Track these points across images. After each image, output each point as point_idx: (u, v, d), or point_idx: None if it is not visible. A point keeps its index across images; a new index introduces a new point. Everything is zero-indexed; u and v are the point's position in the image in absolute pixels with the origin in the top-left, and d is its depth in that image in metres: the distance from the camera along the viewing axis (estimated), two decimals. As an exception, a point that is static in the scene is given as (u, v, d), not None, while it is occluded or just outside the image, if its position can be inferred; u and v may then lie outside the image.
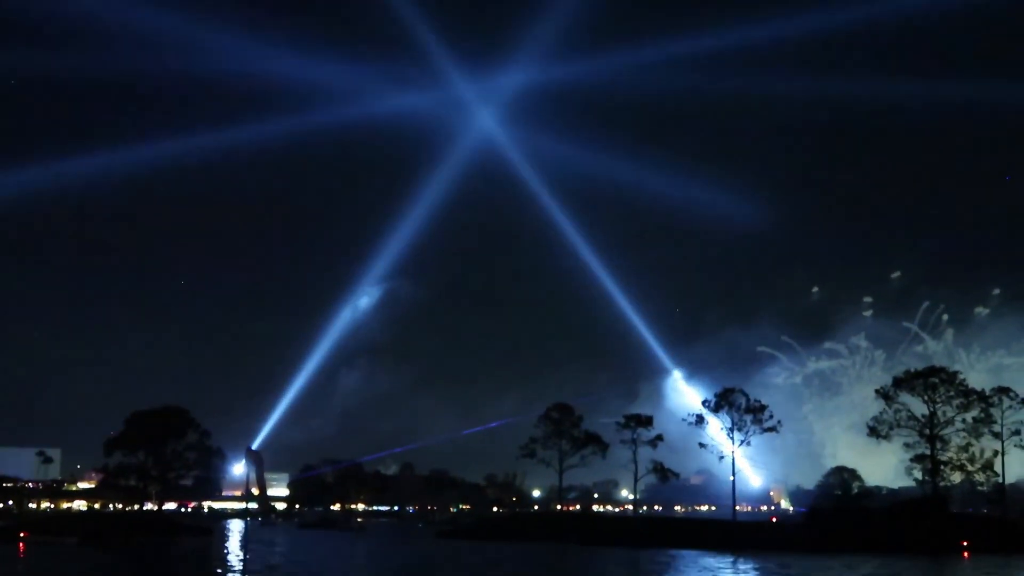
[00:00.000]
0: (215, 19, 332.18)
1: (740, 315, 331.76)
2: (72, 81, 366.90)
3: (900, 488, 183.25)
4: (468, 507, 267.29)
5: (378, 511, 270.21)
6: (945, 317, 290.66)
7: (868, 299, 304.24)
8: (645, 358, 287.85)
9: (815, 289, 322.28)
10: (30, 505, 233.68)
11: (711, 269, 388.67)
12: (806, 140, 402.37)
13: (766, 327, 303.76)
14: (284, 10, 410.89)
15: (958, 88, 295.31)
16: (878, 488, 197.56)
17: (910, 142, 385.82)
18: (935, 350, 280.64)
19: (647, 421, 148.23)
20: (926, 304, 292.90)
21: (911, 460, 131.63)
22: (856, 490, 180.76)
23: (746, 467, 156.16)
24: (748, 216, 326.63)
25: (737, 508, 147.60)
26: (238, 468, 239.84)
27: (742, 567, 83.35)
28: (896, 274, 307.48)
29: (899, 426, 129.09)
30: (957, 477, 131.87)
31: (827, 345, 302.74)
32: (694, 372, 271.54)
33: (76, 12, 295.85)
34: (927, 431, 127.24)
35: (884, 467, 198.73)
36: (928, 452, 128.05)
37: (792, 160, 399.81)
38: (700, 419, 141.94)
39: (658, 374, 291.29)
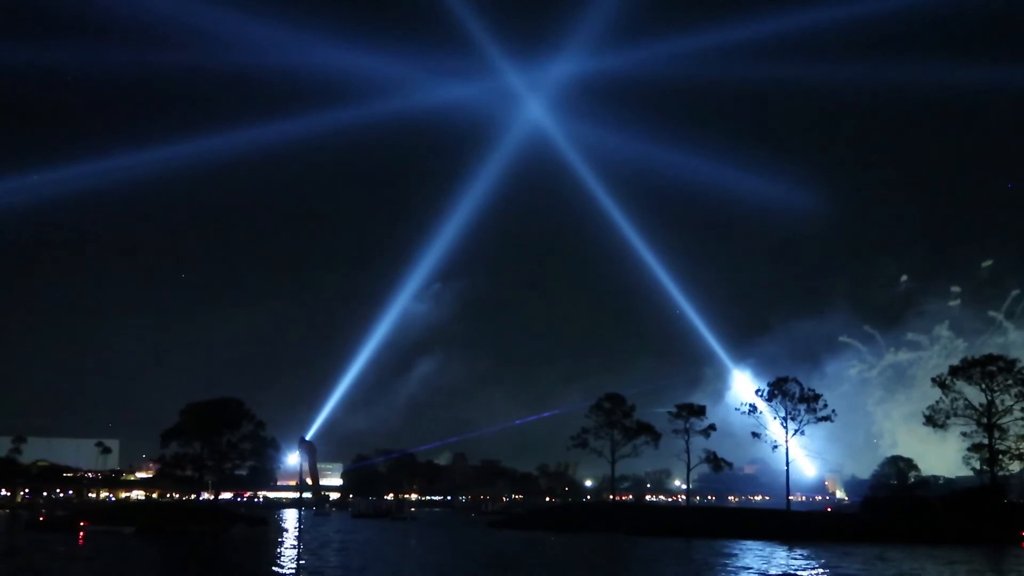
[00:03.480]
0: (266, 15, 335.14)
1: (809, 306, 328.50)
2: (121, 79, 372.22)
3: (957, 478, 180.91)
4: (520, 496, 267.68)
5: (430, 500, 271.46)
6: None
7: (956, 288, 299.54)
8: (708, 351, 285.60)
9: (904, 278, 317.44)
10: (89, 494, 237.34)
11: (776, 260, 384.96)
12: (878, 126, 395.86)
13: (840, 317, 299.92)
14: (333, 4, 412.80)
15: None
16: (935, 477, 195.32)
17: (999, 127, 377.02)
18: (1015, 340, 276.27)
19: (700, 411, 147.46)
20: (1015, 293, 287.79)
21: (968, 449, 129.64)
22: (912, 479, 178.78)
23: (800, 457, 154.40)
24: (811, 205, 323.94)
25: (791, 498, 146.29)
26: (292, 458, 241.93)
27: (798, 557, 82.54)
28: (987, 263, 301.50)
29: (956, 415, 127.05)
30: (1016, 466, 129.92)
31: (910, 336, 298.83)
32: (761, 365, 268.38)
33: (127, 11, 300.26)
34: (985, 420, 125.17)
35: (946, 457, 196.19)
36: (986, 441, 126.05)
37: (863, 147, 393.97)
38: (753, 408, 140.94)
39: (721, 366, 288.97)
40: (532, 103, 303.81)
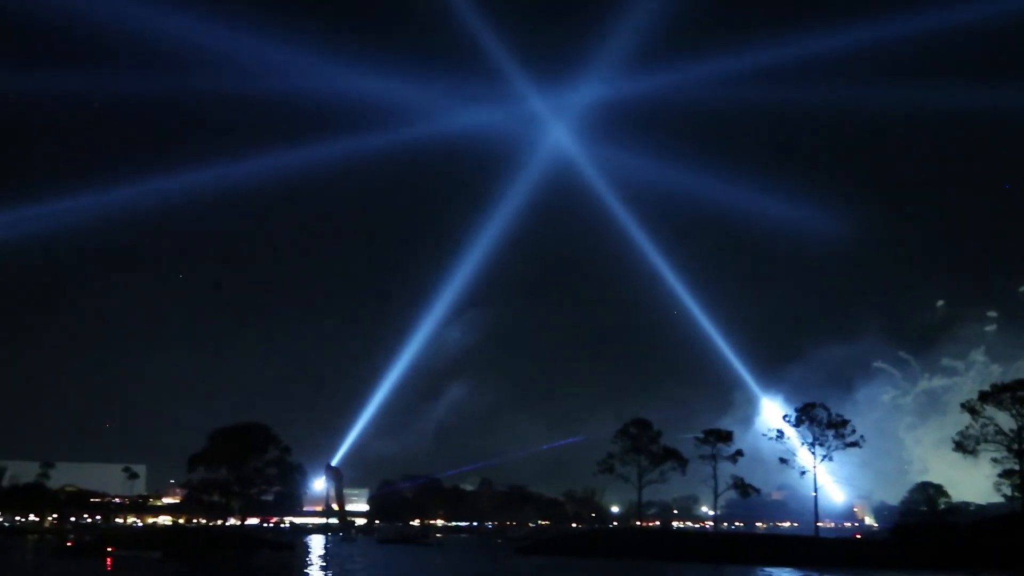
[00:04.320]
0: (291, 41, 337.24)
1: (841, 332, 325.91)
2: (152, 105, 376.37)
3: (988, 504, 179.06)
4: (546, 522, 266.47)
5: (457, 526, 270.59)
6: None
7: (992, 313, 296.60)
8: (737, 377, 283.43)
9: (940, 303, 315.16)
10: (116, 520, 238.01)
11: (806, 286, 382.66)
12: (912, 150, 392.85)
13: (873, 343, 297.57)
14: (355, 30, 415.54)
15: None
16: (965, 504, 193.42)
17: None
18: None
19: (727, 436, 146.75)
20: None
21: (1000, 475, 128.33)
22: (943, 506, 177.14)
23: (829, 483, 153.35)
24: (842, 230, 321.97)
25: (819, 524, 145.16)
26: (318, 484, 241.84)
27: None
28: None
29: (987, 441, 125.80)
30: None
31: (944, 362, 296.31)
32: (792, 391, 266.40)
33: (158, 38, 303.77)
34: (1016, 445, 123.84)
35: (976, 483, 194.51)
36: (1017, 467, 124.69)
37: (896, 171, 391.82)
38: (780, 434, 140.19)
39: (751, 391, 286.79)
40: (557, 128, 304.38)
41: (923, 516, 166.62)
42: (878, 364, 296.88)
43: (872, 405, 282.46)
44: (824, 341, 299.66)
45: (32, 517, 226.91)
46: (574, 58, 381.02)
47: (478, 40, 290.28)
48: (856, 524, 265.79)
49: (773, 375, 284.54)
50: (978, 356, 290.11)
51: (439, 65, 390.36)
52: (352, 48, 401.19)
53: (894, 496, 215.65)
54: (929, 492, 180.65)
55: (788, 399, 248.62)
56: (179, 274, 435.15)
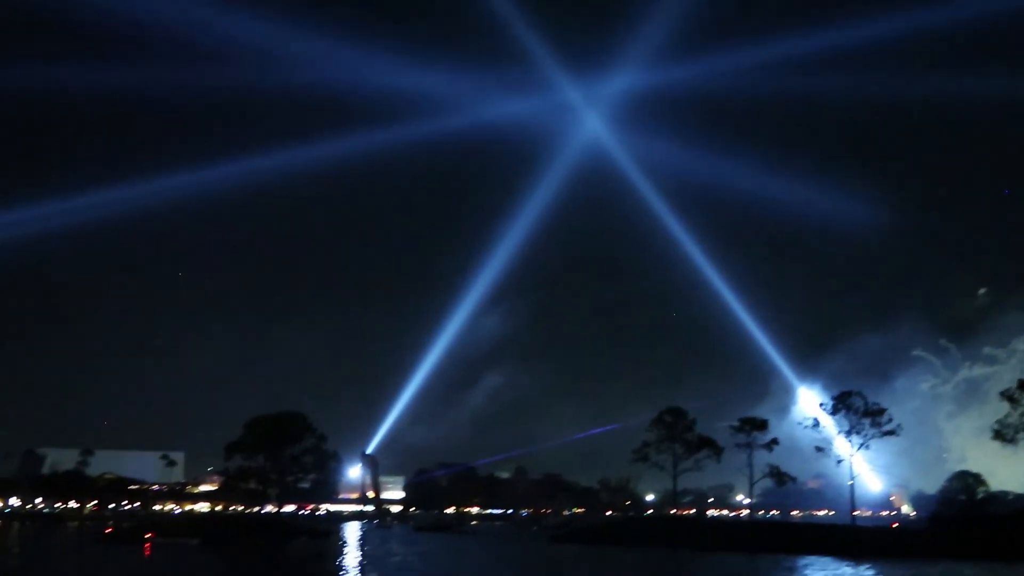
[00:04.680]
0: (322, 33, 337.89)
1: (880, 320, 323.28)
2: (182, 99, 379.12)
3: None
4: (581, 511, 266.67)
5: (491, 514, 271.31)
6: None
7: None
8: (774, 365, 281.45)
9: (982, 291, 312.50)
10: (155, 507, 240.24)
11: (845, 274, 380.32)
12: (954, 136, 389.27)
13: (913, 331, 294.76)
14: (389, 21, 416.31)
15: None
16: (1003, 493, 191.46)
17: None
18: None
19: (762, 424, 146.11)
20: None
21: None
22: (981, 495, 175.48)
23: (865, 471, 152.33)
24: (881, 218, 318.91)
25: (856, 513, 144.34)
26: (354, 472, 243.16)
27: (865, 573, 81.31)
28: None
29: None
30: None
31: (986, 350, 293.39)
32: (830, 379, 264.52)
33: (184, 32, 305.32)
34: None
35: (1016, 472, 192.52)
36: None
37: (936, 158, 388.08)
38: (816, 422, 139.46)
39: (788, 380, 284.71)
40: (591, 117, 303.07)
41: (960, 505, 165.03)
42: (918, 352, 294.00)
43: (911, 394, 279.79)
44: (862, 329, 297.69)
45: (72, 504, 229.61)
46: (607, 47, 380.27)
47: (511, 30, 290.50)
48: (893, 513, 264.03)
49: (810, 364, 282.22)
50: (1020, 344, 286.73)
51: (473, 56, 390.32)
52: (386, 39, 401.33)
53: (932, 485, 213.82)
54: (967, 481, 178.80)
55: (826, 387, 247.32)
56: (218, 263, 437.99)
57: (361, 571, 77.38)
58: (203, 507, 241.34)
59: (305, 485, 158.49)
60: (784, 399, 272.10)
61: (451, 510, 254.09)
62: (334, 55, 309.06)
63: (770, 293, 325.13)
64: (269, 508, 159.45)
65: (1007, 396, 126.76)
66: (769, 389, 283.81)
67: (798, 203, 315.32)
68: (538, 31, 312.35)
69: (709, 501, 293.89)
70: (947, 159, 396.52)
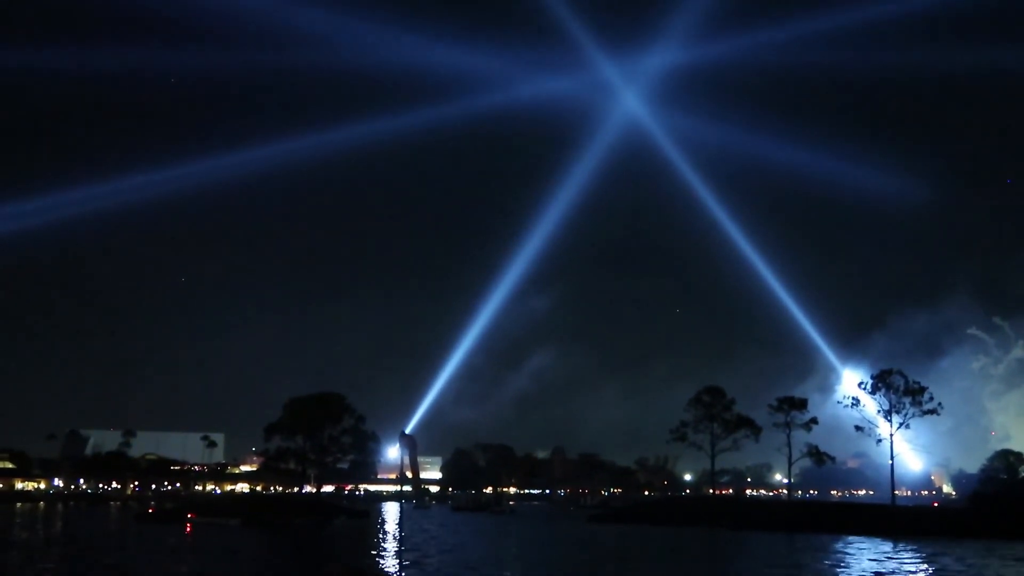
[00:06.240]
0: (361, 14, 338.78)
1: (928, 299, 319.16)
2: (226, 80, 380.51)
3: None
4: (619, 490, 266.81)
5: (529, 494, 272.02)
6: None
7: None
8: (816, 346, 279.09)
9: None
10: (196, 487, 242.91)
11: (893, 252, 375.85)
12: (1008, 111, 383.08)
13: (963, 309, 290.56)
14: (426, 1, 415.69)
15: None
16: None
17: None
18: None
19: (801, 404, 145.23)
20: None
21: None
22: (1023, 474, 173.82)
23: (906, 451, 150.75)
24: (930, 196, 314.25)
25: (896, 493, 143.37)
26: (392, 452, 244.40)
27: (909, 554, 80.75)
28: None
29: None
30: None
31: None
32: (877, 358, 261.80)
33: (226, 13, 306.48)
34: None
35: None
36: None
37: (988, 134, 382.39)
38: (856, 401, 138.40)
39: (831, 359, 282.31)
40: (629, 95, 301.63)
41: (1002, 484, 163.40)
42: (972, 331, 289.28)
43: (961, 373, 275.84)
44: (909, 307, 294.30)
45: (115, 484, 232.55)
46: (645, 24, 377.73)
47: (549, 9, 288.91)
48: (933, 492, 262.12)
49: (856, 342, 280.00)
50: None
51: (510, 35, 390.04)
52: (424, 20, 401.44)
53: (974, 465, 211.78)
54: (1010, 459, 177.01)
55: (872, 365, 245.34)
56: (260, 245, 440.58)
57: (401, 550, 77.74)
58: (243, 487, 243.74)
59: (344, 465, 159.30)
60: (829, 378, 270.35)
61: (488, 490, 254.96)
62: (375, 37, 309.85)
63: (815, 270, 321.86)
64: (308, 488, 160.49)
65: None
66: (813, 368, 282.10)
67: (842, 177, 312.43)
68: (575, 10, 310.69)
69: (747, 481, 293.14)
70: (1002, 131, 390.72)
